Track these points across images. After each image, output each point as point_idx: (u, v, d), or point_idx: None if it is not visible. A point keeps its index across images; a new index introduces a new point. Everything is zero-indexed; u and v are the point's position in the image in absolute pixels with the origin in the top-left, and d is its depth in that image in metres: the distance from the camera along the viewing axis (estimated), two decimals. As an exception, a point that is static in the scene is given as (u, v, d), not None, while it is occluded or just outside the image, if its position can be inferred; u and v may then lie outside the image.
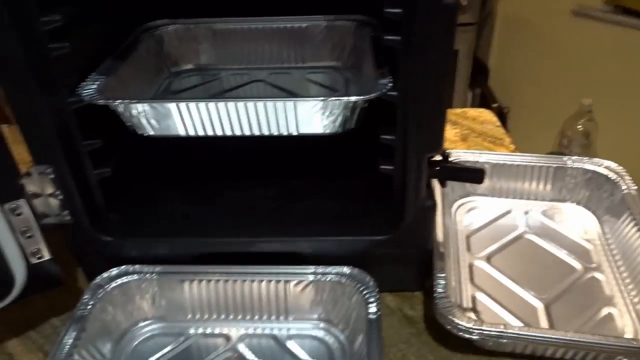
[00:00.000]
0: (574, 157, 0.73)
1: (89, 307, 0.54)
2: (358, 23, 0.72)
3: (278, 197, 0.66)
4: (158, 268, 0.58)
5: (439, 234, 0.62)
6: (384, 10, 0.48)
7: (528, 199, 0.75)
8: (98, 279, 0.57)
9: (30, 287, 0.53)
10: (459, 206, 0.74)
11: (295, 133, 0.55)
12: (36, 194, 0.54)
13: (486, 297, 0.61)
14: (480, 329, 0.51)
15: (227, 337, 0.58)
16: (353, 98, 0.52)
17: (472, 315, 0.58)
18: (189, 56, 0.75)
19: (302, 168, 0.71)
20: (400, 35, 0.49)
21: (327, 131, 0.55)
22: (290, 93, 0.71)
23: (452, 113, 1.00)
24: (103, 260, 0.61)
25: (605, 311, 0.59)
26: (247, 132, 0.55)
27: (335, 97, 0.52)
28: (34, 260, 0.53)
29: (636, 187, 0.67)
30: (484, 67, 2.08)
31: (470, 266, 0.65)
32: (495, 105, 2.01)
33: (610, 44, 1.67)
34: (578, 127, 1.77)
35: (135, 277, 0.58)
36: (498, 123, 0.97)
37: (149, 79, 0.69)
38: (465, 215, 0.73)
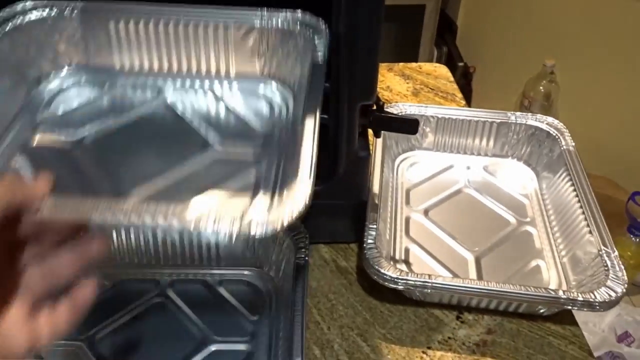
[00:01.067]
0: (518, 113, 0.72)
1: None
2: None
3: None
4: (80, 3, 0.50)
5: (375, 186, 0.61)
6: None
7: (471, 154, 0.75)
8: (6, 11, 0.49)
9: None
10: (402, 160, 0.74)
11: None
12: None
13: (419, 249, 0.61)
14: (405, 279, 0.51)
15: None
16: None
17: (403, 266, 0.59)
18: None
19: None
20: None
21: None
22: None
23: (407, 67, 0.99)
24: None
25: (533, 263, 0.60)
26: None
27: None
28: None
29: (574, 144, 0.67)
30: (452, 24, 2.06)
31: (407, 219, 0.65)
32: (461, 64, 2.00)
33: (577, 4, 1.67)
34: (540, 88, 1.78)
35: (53, 11, 0.50)
36: (452, 79, 0.96)
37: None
38: (407, 169, 0.73)
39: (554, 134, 0.69)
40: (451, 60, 2.04)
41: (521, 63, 1.86)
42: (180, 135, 0.49)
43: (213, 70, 0.54)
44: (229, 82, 0.54)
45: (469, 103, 2.06)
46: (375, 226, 0.56)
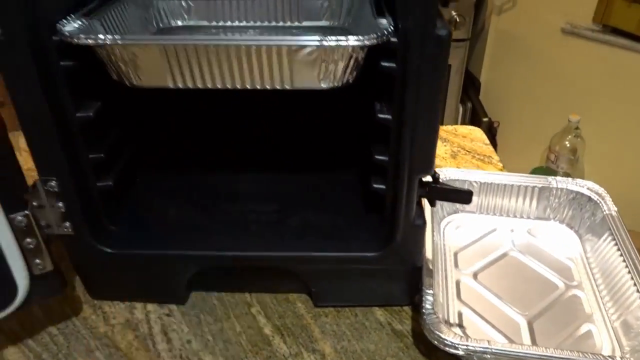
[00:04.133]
0: (558, 178, 0.76)
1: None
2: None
3: (272, 210, 0.68)
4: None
5: (428, 251, 0.64)
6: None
7: (514, 216, 0.78)
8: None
9: (32, 297, 0.55)
10: (448, 223, 0.77)
11: (288, 87, 0.53)
12: (40, 205, 0.56)
13: (472, 312, 0.63)
14: (466, 345, 0.53)
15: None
16: (351, 42, 0.48)
17: (458, 330, 0.61)
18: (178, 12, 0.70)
19: (298, 180, 0.73)
20: (396, 63, 0.51)
21: (324, 85, 0.53)
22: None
23: (443, 130, 1.03)
24: (102, 270, 0.63)
25: (584, 328, 0.61)
26: (238, 85, 0.53)
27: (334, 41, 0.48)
28: (37, 271, 0.54)
29: (616, 209, 0.70)
30: (475, 80, 2.13)
31: (457, 282, 0.67)
32: (485, 119, 2.05)
33: (598, 62, 1.72)
34: (565, 143, 1.81)
35: None
36: (487, 141, 1.00)
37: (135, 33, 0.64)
38: (453, 232, 0.75)
39: (595, 199, 0.72)
40: (475, 115, 2.09)
41: (546, 118, 1.91)
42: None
43: None
44: None
45: (495, 157, 2.06)
46: (431, 291, 0.59)
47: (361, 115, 0.65)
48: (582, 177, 1.88)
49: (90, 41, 0.48)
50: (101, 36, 0.48)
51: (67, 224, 0.59)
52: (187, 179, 0.74)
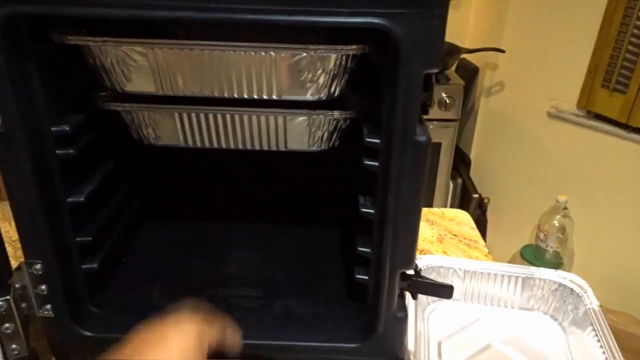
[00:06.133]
0: (542, 269, 0.76)
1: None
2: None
3: (257, 296, 0.68)
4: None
5: (411, 342, 0.64)
6: (365, 139, 0.54)
7: (498, 305, 0.78)
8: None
9: (6, 383, 0.54)
10: (432, 311, 0.77)
11: (283, 148, 0.62)
12: (23, 287, 0.56)
13: (454, 408, 0.62)
14: None
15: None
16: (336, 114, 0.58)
17: None
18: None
19: (284, 266, 0.73)
20: (378, 162, 0.53)
21: (312, 148, 0.62)
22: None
23: (431, 213, 1.05)
24: (81, 354, 0.63)
25: None
26: (240, 146, 0.61)
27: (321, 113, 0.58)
28: (12, 357, 0.53)
29: (598, 303, 0.70)
30: (466, 157, 2.17)
31: (440, 375, 0.66)
32: (475, 195, 2.08)
33: (583, 145, 1.77)
34: (554, 222, 1.83)
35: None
36: (473, 225, 1.01)
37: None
38: (438, 320, 0.75)
39: (578, 291, 0.73)
40: (466, 191, 2.12)
41: (535, 196, 1.94)
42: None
43: None
44: None
45: (484, 234, 2.09)
46: (412, 387, 0.58)
47: (349, 207, 0.67)
48: (572, 256, 1.90)
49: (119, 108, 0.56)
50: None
51: (49, 306, 0.59)
52: (173, 261, 0.74)
